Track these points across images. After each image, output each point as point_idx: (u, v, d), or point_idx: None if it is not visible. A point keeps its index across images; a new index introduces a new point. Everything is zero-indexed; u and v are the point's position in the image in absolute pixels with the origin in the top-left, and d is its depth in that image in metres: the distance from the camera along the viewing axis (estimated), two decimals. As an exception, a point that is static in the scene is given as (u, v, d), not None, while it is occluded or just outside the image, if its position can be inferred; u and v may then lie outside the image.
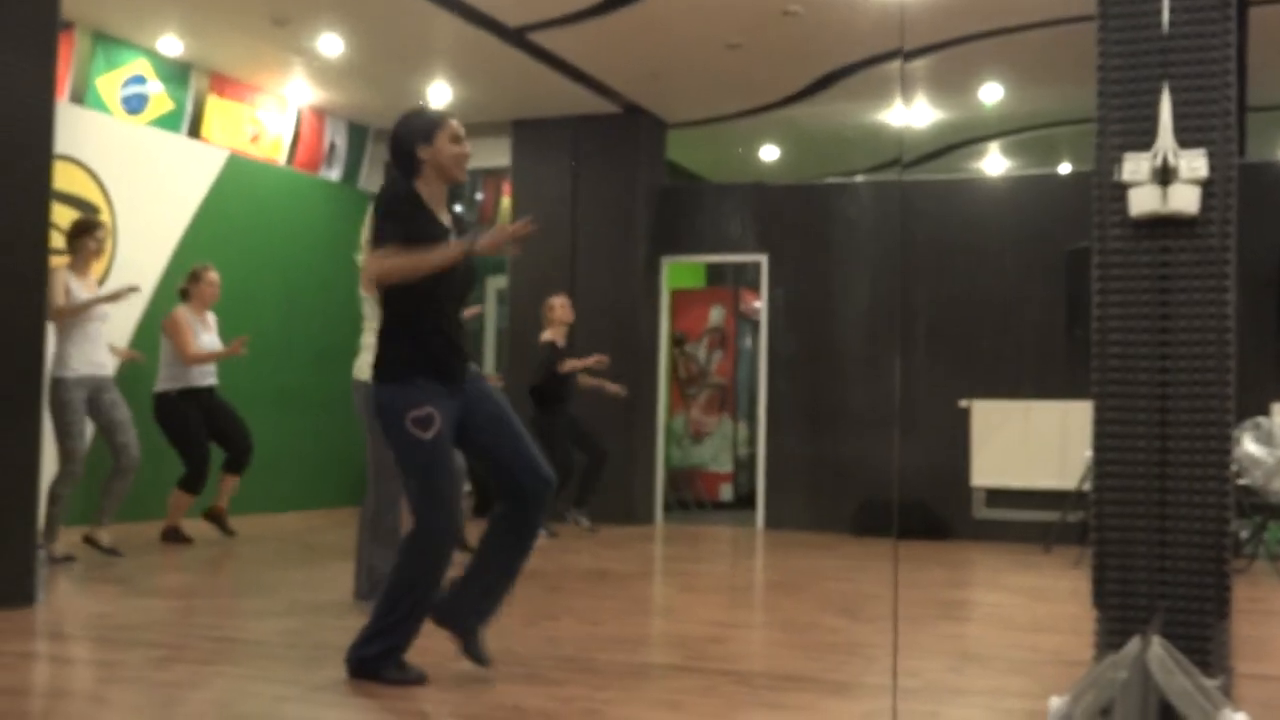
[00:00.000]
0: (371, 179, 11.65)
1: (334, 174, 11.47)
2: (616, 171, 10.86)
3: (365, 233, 5.71)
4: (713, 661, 4.68)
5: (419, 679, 4.07)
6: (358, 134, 11.64)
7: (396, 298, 4.10)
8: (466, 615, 4.22)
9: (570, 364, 9.38)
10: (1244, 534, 8.28)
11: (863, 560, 8.26)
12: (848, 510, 9.88)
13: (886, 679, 4.30)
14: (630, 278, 10.79)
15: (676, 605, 6.56)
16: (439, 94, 10.23)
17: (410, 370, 4.06)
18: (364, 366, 5.68)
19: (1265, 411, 8.78)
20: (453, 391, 4.11)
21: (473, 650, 4.23)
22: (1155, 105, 4.10)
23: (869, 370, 10.06)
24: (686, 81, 10.10)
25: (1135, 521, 3.97)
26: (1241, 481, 8.02)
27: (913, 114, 10.80)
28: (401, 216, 4.09)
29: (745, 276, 13.01)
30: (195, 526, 8.49)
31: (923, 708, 3.93)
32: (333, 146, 11.41)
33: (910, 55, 9.30)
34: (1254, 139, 11.00)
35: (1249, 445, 8.05)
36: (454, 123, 4.25)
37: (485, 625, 4.26)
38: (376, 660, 4.08)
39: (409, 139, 4.19)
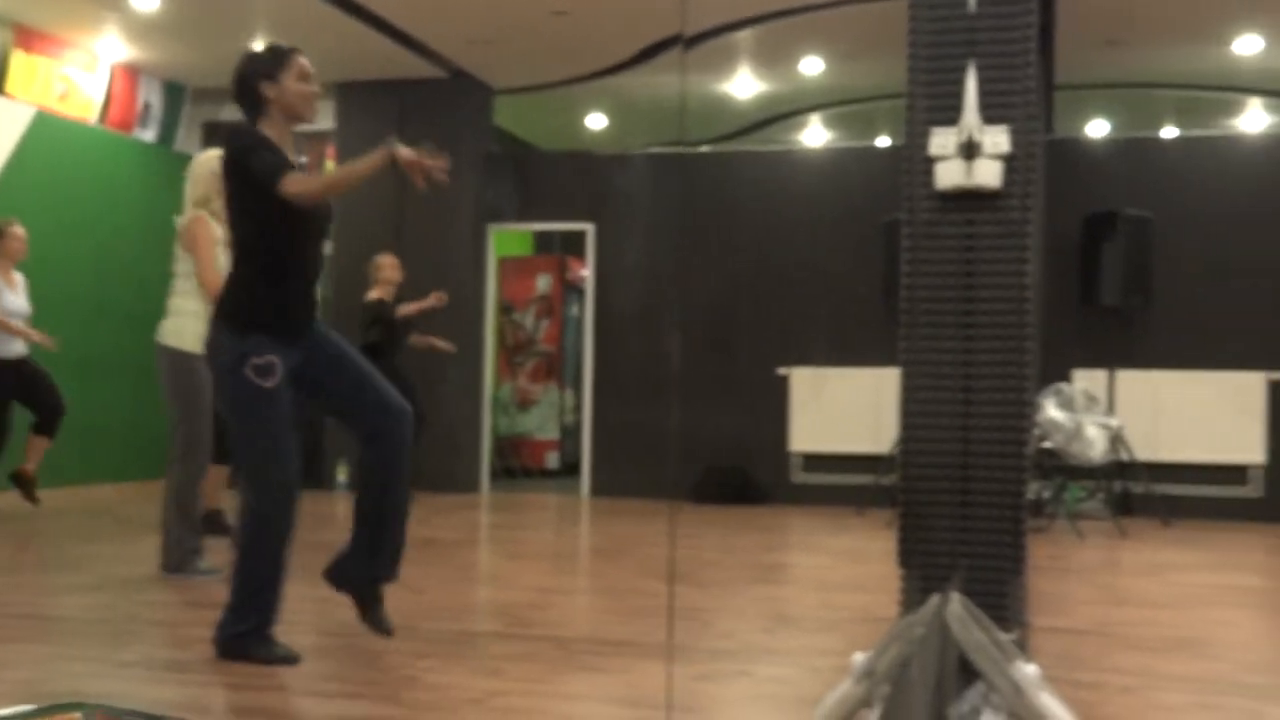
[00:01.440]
0: (189, 141, 11.28)
1: (149, 135, 11.08)
2: (443, 137, 10.69)
3: (191, 192, 5.55)
4: (534, 627, 4.72)
5: (288, 658, 3.89)
6: (174, 94, 11.25)
7: (256, 242, 3.92)
8: (359, 578, 4.09)
9: (409, 307, 9.12)
10: (1046, 495, 8.67)
11: (696, 527, 8.39)
12: (679, 476, 10.00)
13: (710, 642, 4.40)
14: (456, 245, 10.71)
15: (500, 572, 6.58)
16: (258, 54, 9.95)
17: (255, 319, 3.89)
18: (171, 331, 5.51)
19: (1068, 378, 9.19)
20: (296, 343, 3.94)
21: (371, 618, 4.10)
22: (962, 82, 4.24)
23: (694, 338, 10.19)
24: (513, 47, 10.03)
25: (939, 484, 4.12)
26: (1045, 445, 8.40)
27: (737, 85, 10.92)
28: (267, 144, 3.90)
29: (572, 245, 13.04)
30: (2, 499, 8.15)
31: (736, 668, 4.04)
32: (147, 106, 11.01)
33: (730, 28, 9.40)
34: (1061, 116, 11.46)
35: (1051, 410, 8.42)
36: (302, 59, 4.08)
37: (382, 585, 4.12)
38: (245, 638, 3.90)
39: (253, 77, 4.02)
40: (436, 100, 10.72)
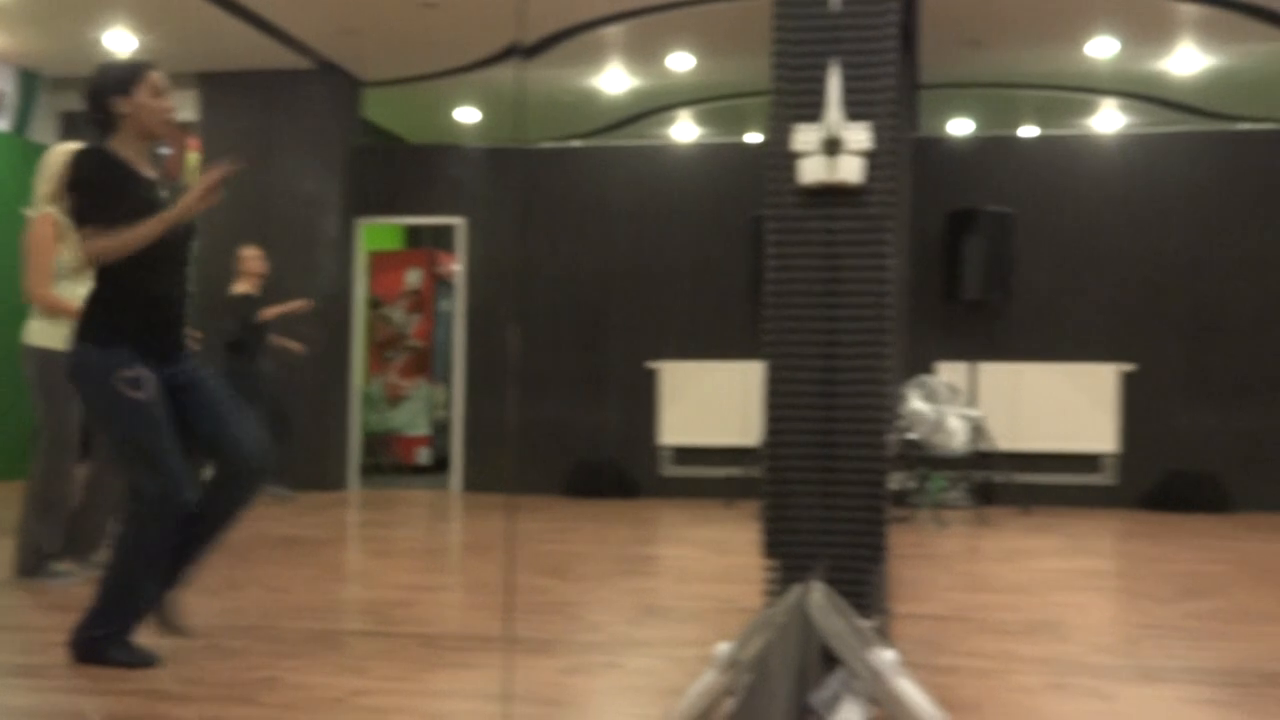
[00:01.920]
0: (44, 130, 10.93)
1: (2, 123, 10.70)
2: (310, 130, 10.58)
3: (42, 187, 5.37)
4: (401, 625, 4.67)
5: (147, 661, 3.83)
6: (29, 81, 10.89)
7: (110, 264, 3.86)
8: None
9: (272, 310, 9.02)
10: (910, 485, 8.86)
11: (567, 521, 8.39)
12: (552, 472, 9.99)
13: (583, 636, 4.41)
14: (324, 239, 10.55)
15: (368, 571, 6.50)
16: (120, 41, 9.69)
17: (118, 336, 3.83)
18: (36, 331, 5.35)
19: (931, 370, 9.41)
20: (162, 366, 3.90)
21: (167, 619, 4.03)
22: (825, 79, 4.30)
23: (566, 333, 10.19)
24: (381, 39, 9.91)
25: (801, 475, 4.18)
26: (909, 436, 8.58)
27: (607, 80, 10.93)
28: (99, 186, 3.84)
29: (443, 239, 12.93)
30: None
31: (603, 660, 4.05)
32: (1, 94, 10.63)
33: (600, 23, 9.42)
34: (926, 114, 11.71)
35: (915, 402, 8.60)
36: (155, 75, 4.00)
37: (173, 591, 4.05)
38: (102, 642, 3.83)
39: (104, 92, 3.94)
40: (303, 92, 10.54)
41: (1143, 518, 8.91)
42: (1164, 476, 9.35)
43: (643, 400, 9.96)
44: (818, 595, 3.30)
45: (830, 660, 3.26)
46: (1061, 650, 4.36)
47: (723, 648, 3.23)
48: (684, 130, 12.64)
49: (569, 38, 9.66)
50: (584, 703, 3.68)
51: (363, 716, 3.35)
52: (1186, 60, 10.02)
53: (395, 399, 12.68)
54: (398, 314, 12.86)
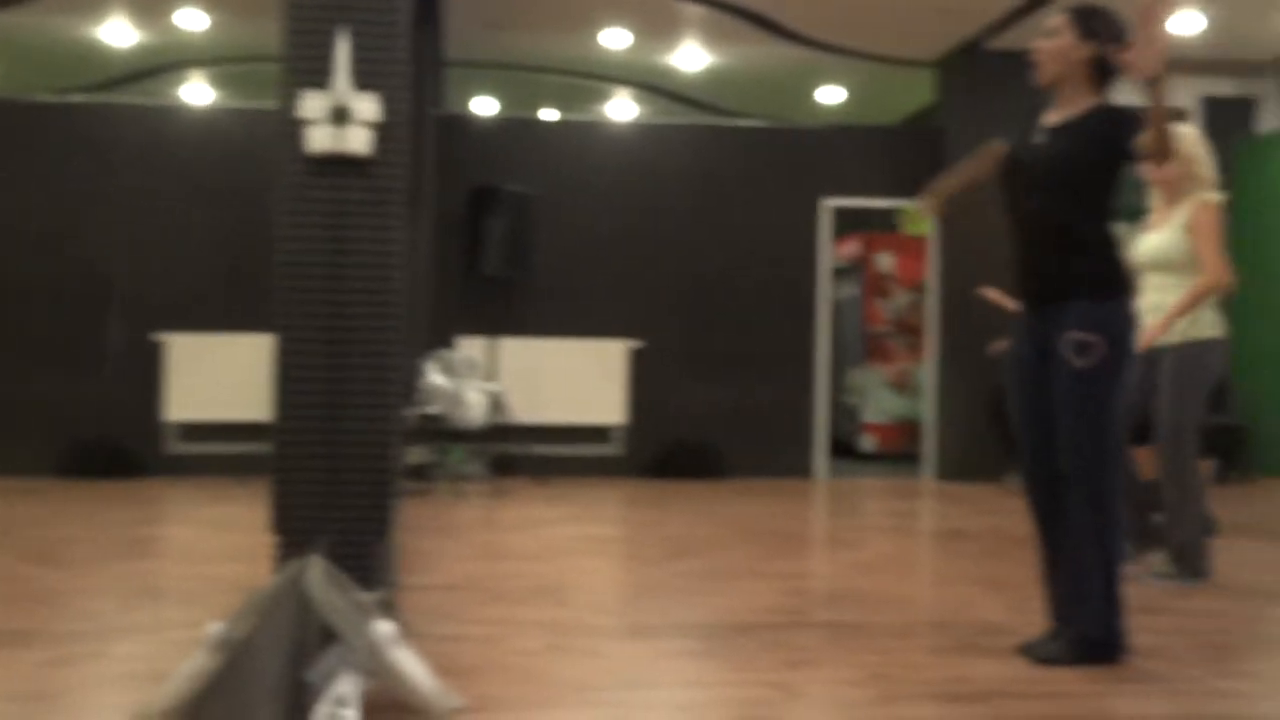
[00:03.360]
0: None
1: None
2: None
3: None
4: None
5: None
6: None
7: None
8: None
9: None
10: (430, 459, 8.94)
11: (63, 504, 7.78)
12: (44, 452, 9.23)
13: (68, 625, 4.14)
14: None
15: None
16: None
17: None
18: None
19: (452, 345, 9.52)
20: None
21: None
22: (335, 47, 4.24)
23: (64, 302, 9.44)
24: None
25: (309, 449, 4.12)
26: (428, 410, 8.65)
27: (109, 32, 10.20)
28: None
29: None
30: None
31: (91, 649, 3.82)
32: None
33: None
34: (453, 92, 11.80)
35: (434, 376, 8.68)
36: None
37: None
38: None
39: None
40: None
41: (647, 486, 9.45)
42: (666, 446, 9.96)
43: (149, 374, 9.42)
44: (316, 570, 3.26)
45: (330, 635, 3.23)
46: (562, 613, 4.55)
47: (215, 627, 3.13)
48: (200, 93, 12.06)
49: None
50: (64, 695, 3.45)
51: None
52: (692, 57, 10.67)
53: None
54: None
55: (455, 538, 6.59)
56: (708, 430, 10.03)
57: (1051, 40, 3.90)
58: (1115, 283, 3.85)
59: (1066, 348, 3.77)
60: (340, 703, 3.06)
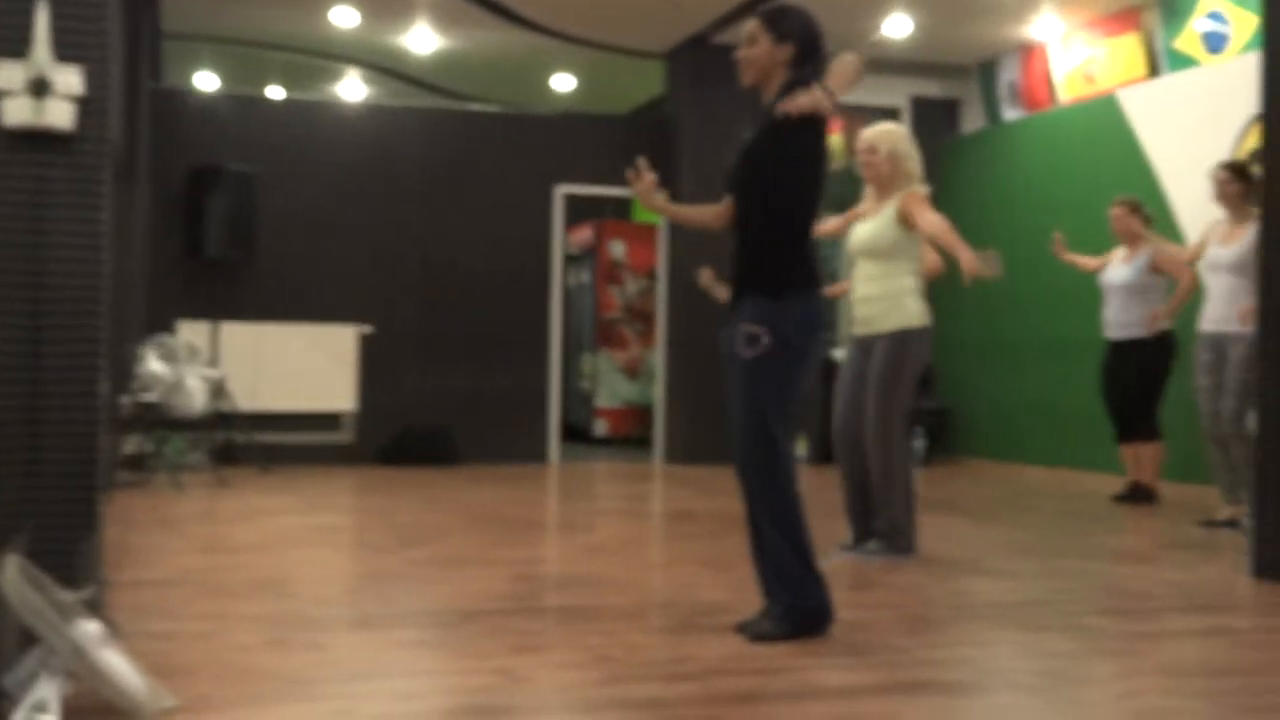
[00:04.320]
0: None
1: None
2: None
3: None
4: None
5: None
6: None
7: None
8: None
9: None
10: (148, 449, 8.56)
11: None
12: None
13: None
14: None
15: None
16: None
17: None
18: None
19: (172, 330, 9.13)
20: None
21: None
22: (32, 15, 4.01)
23: None
24: None
25: (7, 442, 3.90)
26: (145, 398, 8.27)
27: None
28: None
29: None
30: None
31: None
32: None
33: None
34: (171, 66, 11.31)
35: (152, 363, 8.30)
36: None
37: None
38: None
39: None
40: None
41: (379, 473, 9.31)
42: (399, 432, 9.83)
43: None
44: (11, 569, 3.08)
45: (29, 638, 3.06)
46: (284, 606, 4.44)
47: (-103, 635, 2.92)
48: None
49: None
50: None
51: None
52: (424, 39, 10.53)
53: None
54: None
55: (173, 531, 6.33)
56: (441, 416, 9.96)
57: (749, 48, 4.02)
58: (791, 280, 3.94)
59: (738, 339, 3.93)
60: (39, 708, 2.91)
